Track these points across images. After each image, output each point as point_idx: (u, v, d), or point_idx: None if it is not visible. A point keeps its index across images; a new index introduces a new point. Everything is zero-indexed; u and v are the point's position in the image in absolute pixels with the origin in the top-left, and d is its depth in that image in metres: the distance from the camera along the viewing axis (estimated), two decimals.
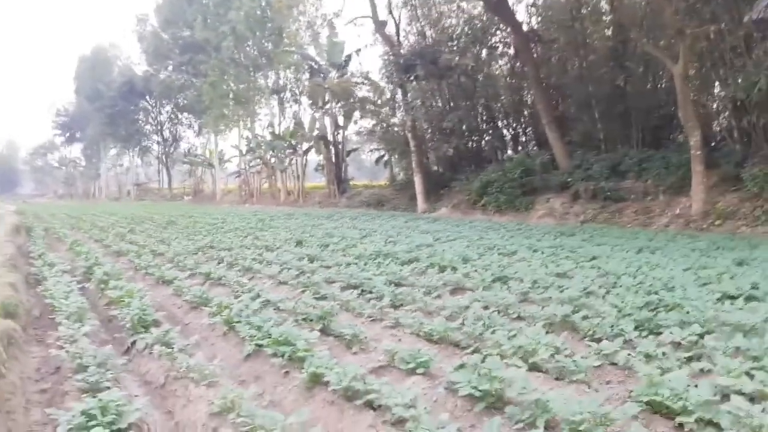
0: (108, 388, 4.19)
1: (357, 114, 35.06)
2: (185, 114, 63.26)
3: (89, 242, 15.33)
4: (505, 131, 28.10)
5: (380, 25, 28.11)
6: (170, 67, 56.73)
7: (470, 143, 28.50)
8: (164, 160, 67.80)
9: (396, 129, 31.05)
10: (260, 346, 5.26)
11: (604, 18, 22.04)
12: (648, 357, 4.46)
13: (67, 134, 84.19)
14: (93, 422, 3.49)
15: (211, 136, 57.60)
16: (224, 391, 4.05)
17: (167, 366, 5.09)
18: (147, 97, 64.34)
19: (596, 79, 21.12)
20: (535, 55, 23.06)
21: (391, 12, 27.83)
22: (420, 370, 4.43)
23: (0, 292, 6.98)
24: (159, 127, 67.67)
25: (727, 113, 17.87)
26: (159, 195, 66.85)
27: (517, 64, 25.15)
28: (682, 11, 15.91)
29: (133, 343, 5.94)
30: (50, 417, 4.22)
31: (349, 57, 36.00)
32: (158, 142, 68.70)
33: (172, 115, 66.26)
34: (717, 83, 17.78)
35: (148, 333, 5.84)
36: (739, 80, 15.04)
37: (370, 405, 3.84)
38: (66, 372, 5.10)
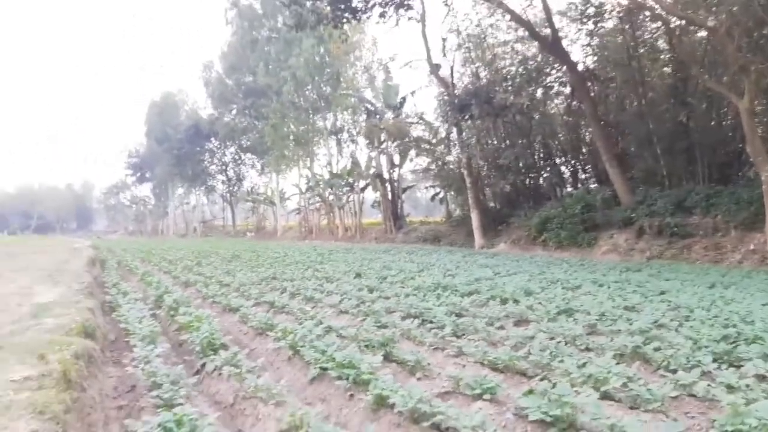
0: (181, 404, 4.35)
1: (412, 153, 35.49)
2: (248, 155, 65.85)
3: (159, 274, 15.99)
4: (563, 168, 27.71)
5: (434, 68, 28.60)
6: (234, 111, 59.44)
7: (527, 180, 28.23)
8: (228, 198, 70.47)
9: (451, 166, 31.17)
10: (324, 369, 5.33)
11: (662, 56, 21.64)
12: (730, 388, 4.24)
13: (138, 174, 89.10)
14: None
15: (272, 176, 59.57)
16: (292, 410, 4.12)
17: (236, 386, 5.22)
18: (212, 139, 67.48)
19: (657, 116, 20.62)
20: (592, 94, 22.81)
21: (445, 54, 28.29)
22: (486, 396, 4.36)
23: (80, 315, 7.39)
24: (223, 167, 70.65)
25: None
26: (223, 232, 69.19)
27: (574, 102, 24.93)
28: (745, 48, 15.49)
29: (203, 365, 6.13)
30: (129, 430, 4.41)
31: (404, 99, 36.74)
32: (223, 182, 71.65)
33: (236, 156, 69.13)
34: None
35: (216, 356, 6.03)
36: None
37: (437, 428, 3.81)
38: (141, 390, 5.31)
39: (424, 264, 16.34)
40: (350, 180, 42.66)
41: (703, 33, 18.41)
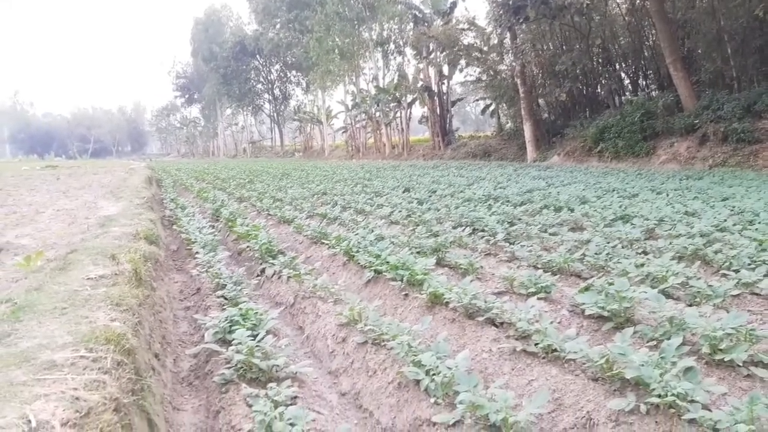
0: (245, 302, 4.57)
1: (462, 62, 34.14)
2: (293, 72, 65.14)
3: (214, 191, 16.49)
4: (623, 74, 26.18)
5: None
6: (278, 25, 58.25)
7: (585, 88, 26.89)
8: (276, 118, 70.68)
9: (504, 76, 29.96)
10: (379, 272, 5.45)
11: None
12: None
13: (187, 96, 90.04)
14: (236, 327, 3.83)
15: (318, 93, 58.99)
16: (350, 305, 4.27)
17: (295, 288, 5.43)
18: (257, 57, 66.84)
19: (730, 12, 18.90)
20: None
21: None
22: (541, 295, 4.37)
23: (143, 225, 7.75)
24: (270, 86, 70.38)
25: None
26: (272, 152, 70.09)
27: (638, 0, 23.10)
28: None
29: (263, 270, 6.39)
30: (197, 325, 4.71)
31: (454, 2, 34.99)
32: (269, 101, 71.60)
33: (281, 74, 68.55)
34: None
35: (275, 260, 6.26)
36: None
37: (491, 322, 3.88)
38: (206, 291, 5.60)
39: (473, 178, 16.17)
40: (397, 95, 41.78)
41: None
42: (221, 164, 42.38)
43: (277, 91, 70.08)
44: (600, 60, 26.12)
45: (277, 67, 67.81)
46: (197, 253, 6.75)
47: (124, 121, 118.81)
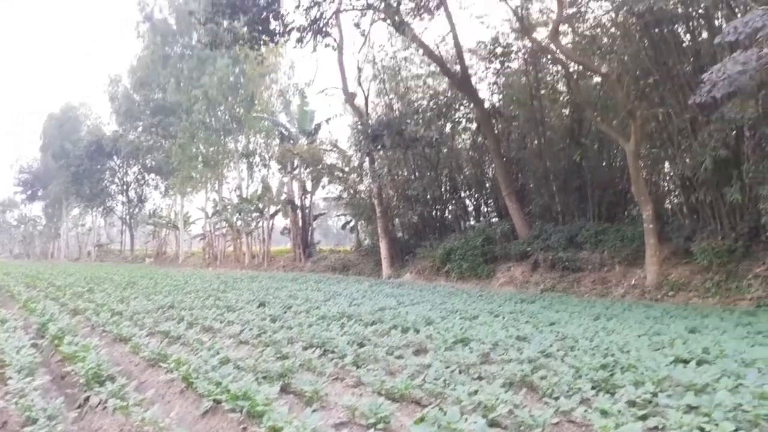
0: None
1: (325, 180, 35.51)
2: (152, 175, 62.91)
3: (45, 300, 14.82)
4: (467, 201, 28.80)
5: (350, 97, 29.05)
6: (140, 128, 56.80)
7: (434, 211, 29.08)
8: (128, 220, 66.68)
9: (362, 196, 31.51)
10: (218, 401, 5.18)
11: (561, 98, 23.30)
12: (604, 413, 4.57)
13: (29, 192, 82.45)
14: None
15: (177, 198, 57.21)
16: None
17: (121, 421, 4.95)
18: (114, 157, 63.96)
19: (554, 155, 22.08)
20: (496, 131, 24.08)
21: (360, 84, 28.83)
22: (380, 425, 4.43)
23: None
24: (125, 188, 66.97)
25: (677, 190, 18.82)
26: (120, 257, 65.18)
27: (479, 138, 26.18)
28: (632, 94, 17.06)
29: (87, 398, 5.76)
30: None
31: (319, 125, 36.88)
32: (123, 203, 67.78)
33: (139, 176, 65.82)
34: (667, 162, 18.82)
35: (102, 388, 5.68)
36: (687, 160, 16.00)
37: None
38: (13, 427, 4.90)
39: (331, 293, 16.30)
40: (260, 205, 41.89)
41: (597, 78, 20.00)
42: (60, 268, 38.46)
43: (132, 194, 66.79)
44: (447, 188, 28.65)
45: (135, 169, 65.16)
46: (10, 378, 5.94)
47: None
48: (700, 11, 16.09)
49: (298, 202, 39.28)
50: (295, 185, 39.50)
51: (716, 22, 16.05)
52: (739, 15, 13.43)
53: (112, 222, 74.62)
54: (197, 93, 44.56)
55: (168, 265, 50.10)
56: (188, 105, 45.76)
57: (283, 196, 40.01)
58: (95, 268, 39.47)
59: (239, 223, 43.83)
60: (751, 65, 9.85)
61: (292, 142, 38.41)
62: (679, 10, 15.98)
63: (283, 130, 39.77)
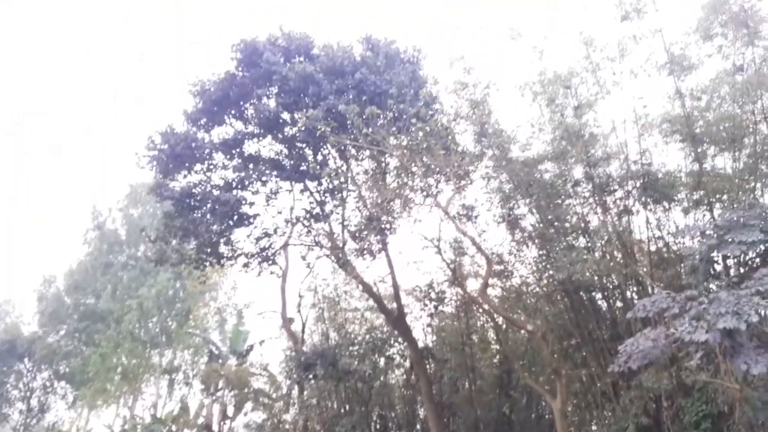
0: None
1: (248, 406, 33.54)
2: (62, 383, 57.74)
3: None
4: None
5: (287, 322, 29.11)
6: (62, 332, 53.83)
7: None
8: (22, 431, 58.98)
9: (287, 426, 29.62)
10: None
11: (490, 347, 24.12)
12: None
13: None
14: None
15: (84, 411, 51.98)
16: None
17: None
18: (26, 359, 59.06)
19: (484, 404, 22.04)
20: (428, 371, 24.18)
21: (299, 311, 29.16)
22: None
23: None
24: (28, 394, 60.57)
25: None
26: None
27: (412, 376, 26.08)
28: (557, 353, 17.94)
29: None
30: None
31: (251, 347, 36.14)
32: (21, 411, 60.62)
33: (48, 383, 60.20)
34: (593, 422, 18.99)
35: None
36: (611, 424, 16.24)
37: None
38: None
39: None
40: (173, 428, 38.38)
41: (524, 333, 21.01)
42: None
43: (35, 401, 60.30)
44: (378, 426, 27.46)
45: (46, 374, 59.93)
46: None
47: None
48: (615, 284, 17.95)
49: (216, 427, 36.29)
50: (216, 409, 36.93)
51: (629, 294, 17.81)
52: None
53: None
54: (132, 303, 43.71)
55: None
56: (120, 314, 44.45)
57: (201, 420, 37.07)
58: None
59: None
60: (660, 342, 10.80)
61: (221, 361, 37.02)
62: (596, 279, 17.79)
63: (214, 349, 38.62)
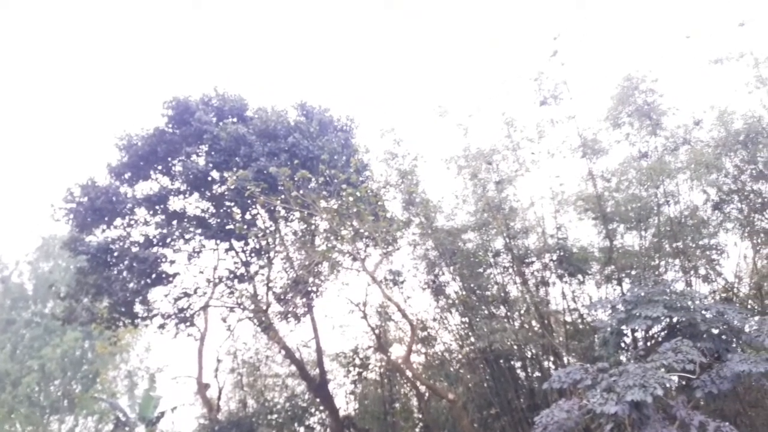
0: None
1: None
2: None
3: None
4: None
5: (203, 388, 27.72)
6: None
7: None
8: None
9: None
10: None
11: (413, 415, 23.85)
12: None
13: None
14: None
15: None
16: None
17: None
18: None
19: None
20: None
21: (216, 376, 27.91)
22: None
23: None
24: None
25: None
26: None
27: None
28: (477, 423, 17.98)
29: None
30: None
31: (162, 414, 33.78)
32: None
33: None
34: None
35: None
36: None
37: None
38: None
39: None
40: None
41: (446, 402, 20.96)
42: None
43: None
44: None
45: None
46: None
47: None
48: (533, 353, 18.40)
49: None
50: None
51: (546, 364, 18.27)
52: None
53: None
54: (33, 364, 40.29)
55: None
56: (18, 376, 40.78)
57: None
58: None
59: None
60: (574, 413, 11.08)
61: (127, 429, 34.37)
62: (515, 349, 18.19)
63: (121, 415, 35.80)
